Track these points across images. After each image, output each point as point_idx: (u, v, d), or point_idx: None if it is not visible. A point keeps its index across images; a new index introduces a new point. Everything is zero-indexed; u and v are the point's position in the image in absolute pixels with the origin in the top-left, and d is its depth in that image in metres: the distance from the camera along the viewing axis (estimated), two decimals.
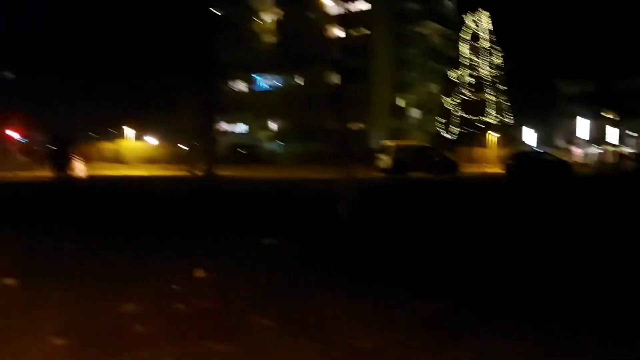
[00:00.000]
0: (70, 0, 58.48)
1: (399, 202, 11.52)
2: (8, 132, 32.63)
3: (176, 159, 40.10)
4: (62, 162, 12.41)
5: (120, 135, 43.57)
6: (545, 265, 4.86)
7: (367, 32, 55.19)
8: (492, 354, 2.73)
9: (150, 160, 40.74)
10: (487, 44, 46.02)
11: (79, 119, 40.20)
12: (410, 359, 2.67)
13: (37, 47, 48.81)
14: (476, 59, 45.86)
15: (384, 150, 28.10)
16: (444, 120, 47.97)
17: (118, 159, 40.60)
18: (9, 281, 4.00)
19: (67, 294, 3.72)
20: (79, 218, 8.29)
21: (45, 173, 14.21)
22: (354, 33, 45.93)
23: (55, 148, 12.37)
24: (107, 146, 41.65)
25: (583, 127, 48.19)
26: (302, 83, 61.28)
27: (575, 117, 45.50)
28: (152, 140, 44.83)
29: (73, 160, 16.18)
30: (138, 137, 42.94)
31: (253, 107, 61.35)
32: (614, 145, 38.67)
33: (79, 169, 27.76)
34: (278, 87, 63.12)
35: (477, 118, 44.82)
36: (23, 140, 34.02)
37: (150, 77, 45.20)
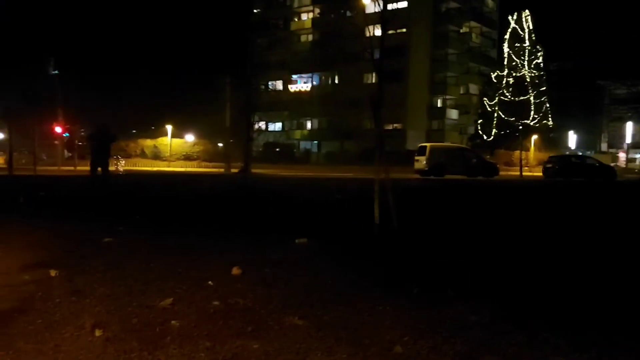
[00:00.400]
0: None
1: (434, 204, 11.37)
2: (55, 127, 33.80)
3: (213, 156, 40.85)
4: (101, 157, 12.73)
5: (160, 132, 44.59)
6: (590, 271, 4.67)
7: (404, 30, 54.63)
8: None
9: (188, 158, 41.56)
10: (528, 44, 44.81)
11: (120, 115, 41.38)
12: None
13: (80, 43, 50.56)
14: (517, 59, 44.71)
15: (420, 151, 27.78)
16: (482, 122, 47.01)
17: (157, 156, 41.56)
18: (53, 272, 4.13)
19: (106, 287, 3.81)
20: (114, 213, 8.50)
21: (87, 167, 14.65)
22: (391, 32, 45.55)
23: (96, 143, 12.68)
24: (147, 143, 42.66)
25: (631, 131, 46.33)
26: (338, 82, 61.24)
27: (622, 121, 43.83)
28: (190, 138, 45.70)
29: (112, 156, 16.63)
30: (177, 135, 43.86)
31: (288, 106, 61.71)
32: None
33: (118, 164, 28.51)
34: (314, 87, 63.26)
35: (517, 120, 43.71)
36: (66, 135, 35.19)
37: (190, 76, 46.06)
